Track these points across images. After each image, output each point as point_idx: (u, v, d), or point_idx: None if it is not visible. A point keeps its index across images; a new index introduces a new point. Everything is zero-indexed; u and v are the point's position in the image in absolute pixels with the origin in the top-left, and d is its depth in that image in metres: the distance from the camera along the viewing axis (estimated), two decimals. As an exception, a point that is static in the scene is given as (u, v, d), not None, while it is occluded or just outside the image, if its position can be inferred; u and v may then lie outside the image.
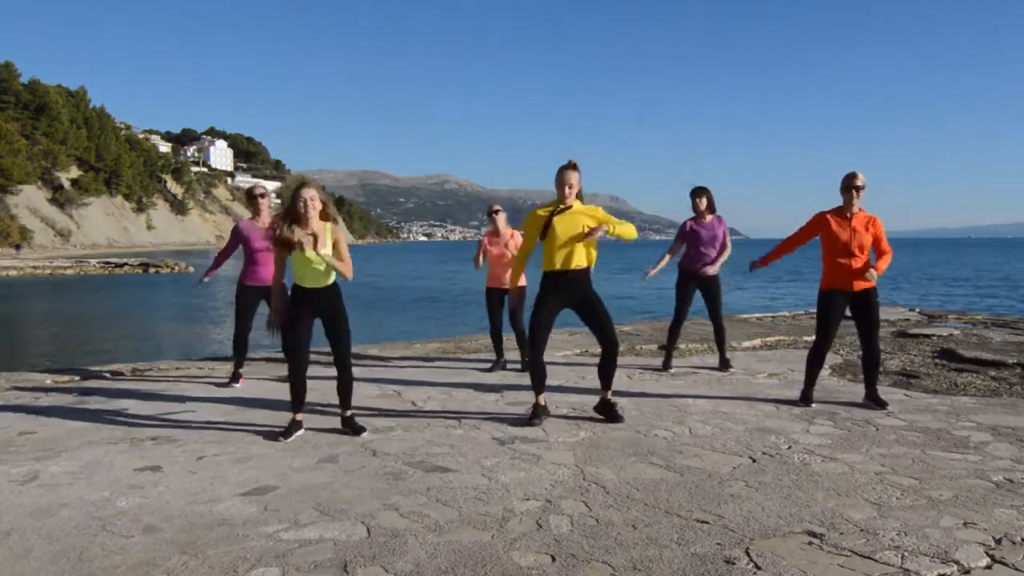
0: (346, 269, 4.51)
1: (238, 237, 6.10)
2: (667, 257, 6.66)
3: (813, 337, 8.35)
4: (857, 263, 5.12)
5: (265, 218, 6.11)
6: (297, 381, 4.59)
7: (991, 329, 9.00)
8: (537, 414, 4.85)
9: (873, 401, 5.25)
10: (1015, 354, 7.13)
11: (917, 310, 11.25)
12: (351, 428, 4.59)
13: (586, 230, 4.66)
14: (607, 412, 4.91)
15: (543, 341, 4.85)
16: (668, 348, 6.81)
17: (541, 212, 4.83)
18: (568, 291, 4.79)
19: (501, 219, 6.72)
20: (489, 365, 6.78)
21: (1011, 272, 55.26)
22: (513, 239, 6.65)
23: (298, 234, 4.39)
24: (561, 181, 4.72)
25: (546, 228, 4.74)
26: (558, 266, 4.74)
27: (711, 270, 6.47)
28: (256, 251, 6.00)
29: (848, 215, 5.16)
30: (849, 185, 5.12)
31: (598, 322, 4.81)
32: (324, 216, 4.53)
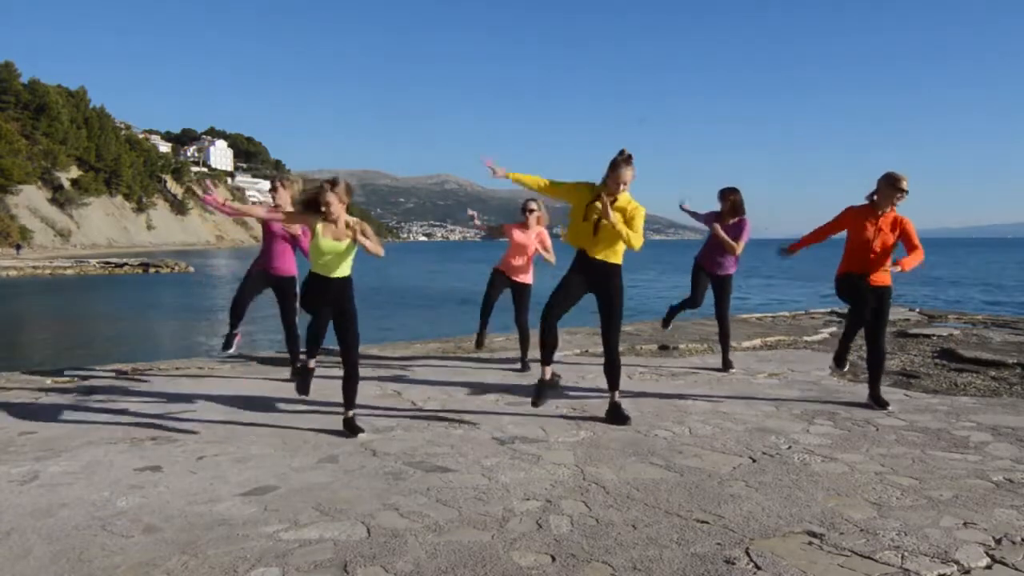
0: (379, 249, 4.57)
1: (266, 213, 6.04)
2: (699, 215, 6.54)
3: (814, 337, 8.39)
4: (876, 262, 5.08)
5: (285, 205, 6.03)
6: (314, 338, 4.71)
7: (991, 329, 9.00)
8: (541, 393, 4.74)
9: (875, 401, 5.25)
10: (1015, 354, 7.13)
11: (917, 310, 11.26)
12: (350, 429, 4.58)
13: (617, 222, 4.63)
14: (615, 414, 4.87)
15: (557, 310, 4.77)
16: (672, 311, 6.86)
17: (591, 190, 4.69)
18: (596, 278, 4.78)
19: (533, 219, 6.46)
20: (482, 351, 6.70)
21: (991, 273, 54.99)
22: (540, 237, 6.47)
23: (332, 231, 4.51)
24: (616, 178, 4.56)
25: (587, 211, 4.66)
26: (595, 256, 4.74)
27: (716, 228, 6.34)
28: (273, 235, 5.95)
29: (879, 213, 5.07)
30: (896, 187, 4.94)
31: (607, 323, 4.82)
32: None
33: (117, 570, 2.76)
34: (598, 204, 4.61)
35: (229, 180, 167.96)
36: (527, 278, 6.61)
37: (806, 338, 8.42)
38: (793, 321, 10.05)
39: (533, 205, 6.43)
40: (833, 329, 9.03)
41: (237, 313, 6.13)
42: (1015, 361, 6.78)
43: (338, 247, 4.53)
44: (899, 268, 4.95)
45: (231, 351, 6.10)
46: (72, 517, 3.26)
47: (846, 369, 5.63)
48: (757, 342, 8.26)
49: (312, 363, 4.87)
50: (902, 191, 4.98)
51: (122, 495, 3.52)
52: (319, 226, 4.54)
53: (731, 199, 6.35)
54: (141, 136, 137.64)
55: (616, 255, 4.79)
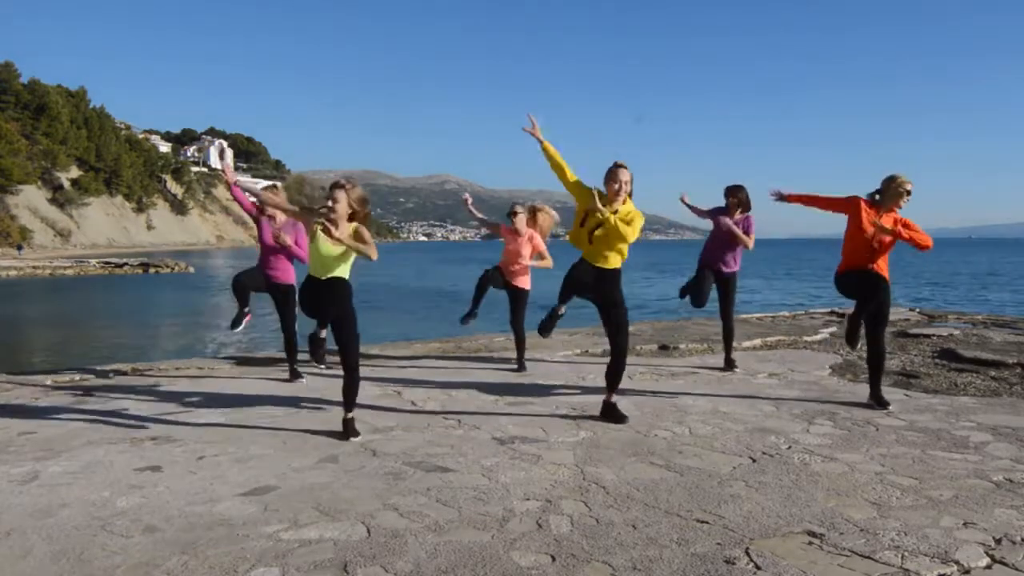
0: (371, 251, 4.48)
1: (258, 219, 6.06)
2: (702, 210, 6.61)
3: (814, 337, 8.39)
4: (874, 257, 5.11)
5: (280, 216, 6.10)
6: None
7: (991, 329, 9.00)
8: (552, 316, 4.98)
9: (876, 400, 5.25)
10: (1015, 354, 7.12)
11: (917, 310, 11.26)
12: (347, 431, 4.55)
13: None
14: (610, 414, 4.91)
15: (569, 293, 4.91)
16: (685, 290, 6.70)
17: (598, 195, 4.72)
18: (596, 287, 4.85)
19: (520, 220, 6.50)
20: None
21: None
22: (532, 241, 6.46)
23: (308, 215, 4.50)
24: (613, 178, 4.70)
25: (585, 217, 4.74)
26: (593, 263, 4.82)
27: (726, 221, 6.33)
28: (266, 245, 6.02)
29: (881, 211, 5.12)
30: (901, 190, 5.03)
31: (614, 328, 4.87)
32: (351, 219, 4.53)
33: (117, 570, 2.76)
34: (597, 213, 4.66)
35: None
36: (524, 283, 6.57)
37: (806, 338, 8.42)
38: (793, 321, 10.05)
39: (518, 209, 6.55)
40: (833, 329, 9.03)
41: (240, 290, 6.13)
42: (1015, 361, 6.78)
43: (336, 250, 4.47)
44: (888, 226, 4.98)
45: (239, 329, 6.08)
46: (72, 517, 3.26)
47: (858, 347, 5.45)
48: (757, 342, 8.26)
49: (323, 332, 4.66)
50: (907, 192, 5.08)
51: (122, 495, 3.52)
52: (318, 229, 4.49)
53: (738, 196, 6.44)
54: (141, 136, 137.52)
55: (613, 260, 4.82)
